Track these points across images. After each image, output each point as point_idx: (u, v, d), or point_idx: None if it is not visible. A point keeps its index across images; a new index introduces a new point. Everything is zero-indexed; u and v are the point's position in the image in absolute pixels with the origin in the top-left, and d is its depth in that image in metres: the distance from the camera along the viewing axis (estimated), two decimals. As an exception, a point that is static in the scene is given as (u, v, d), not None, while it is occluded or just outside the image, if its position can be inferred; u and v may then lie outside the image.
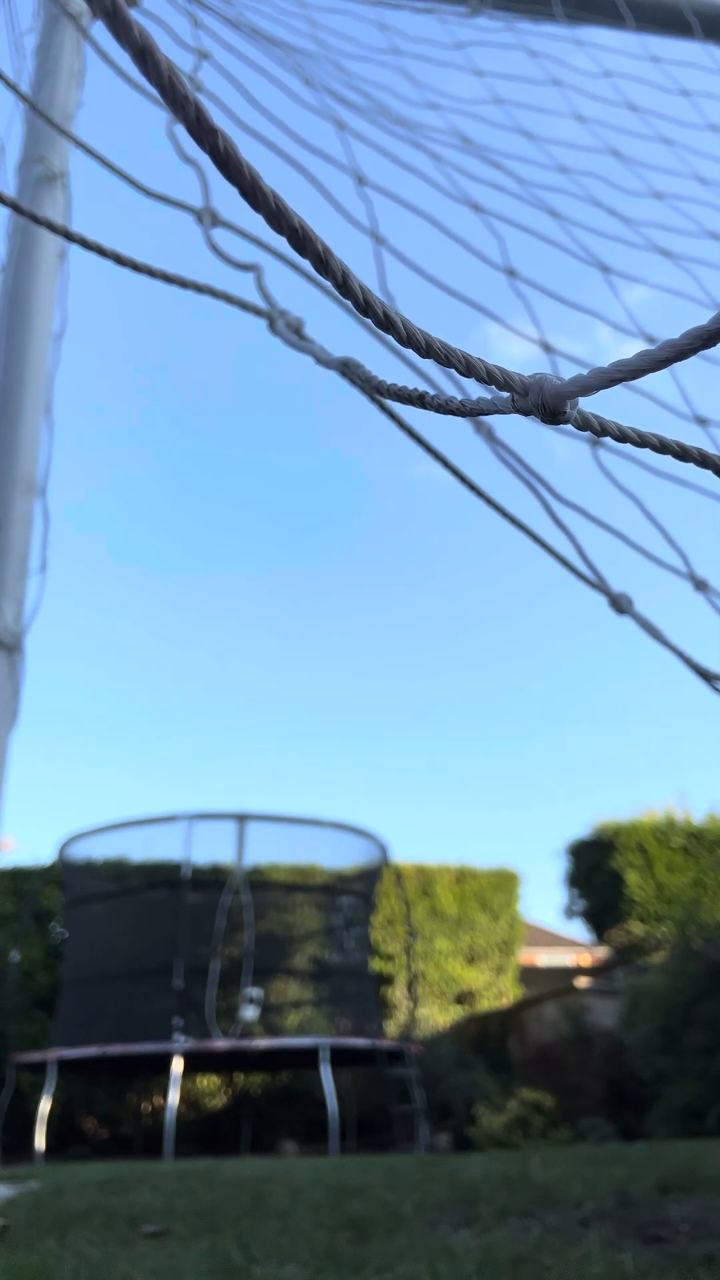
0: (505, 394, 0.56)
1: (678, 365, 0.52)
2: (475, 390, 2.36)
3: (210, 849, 10.34)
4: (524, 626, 24.75)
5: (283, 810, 10.60)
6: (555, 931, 18.25)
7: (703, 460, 0.64)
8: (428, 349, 0.57)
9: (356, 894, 11.20)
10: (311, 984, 10.83)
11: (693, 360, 0.52)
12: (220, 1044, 8.80)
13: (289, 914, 10.91)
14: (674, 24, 4.37)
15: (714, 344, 0.50)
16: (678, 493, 2.44)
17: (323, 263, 0.52)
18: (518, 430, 2.50)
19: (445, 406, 0.63)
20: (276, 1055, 9.65)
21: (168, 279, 1.74)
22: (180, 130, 2.22)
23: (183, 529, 22.04)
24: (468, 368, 0.57)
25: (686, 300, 3.25)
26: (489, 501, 2.10)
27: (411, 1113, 9.41)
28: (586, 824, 13.02)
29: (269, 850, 10.87)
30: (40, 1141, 9.04)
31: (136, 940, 10.36)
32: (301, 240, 0.51)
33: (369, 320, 0.56)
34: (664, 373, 0.52)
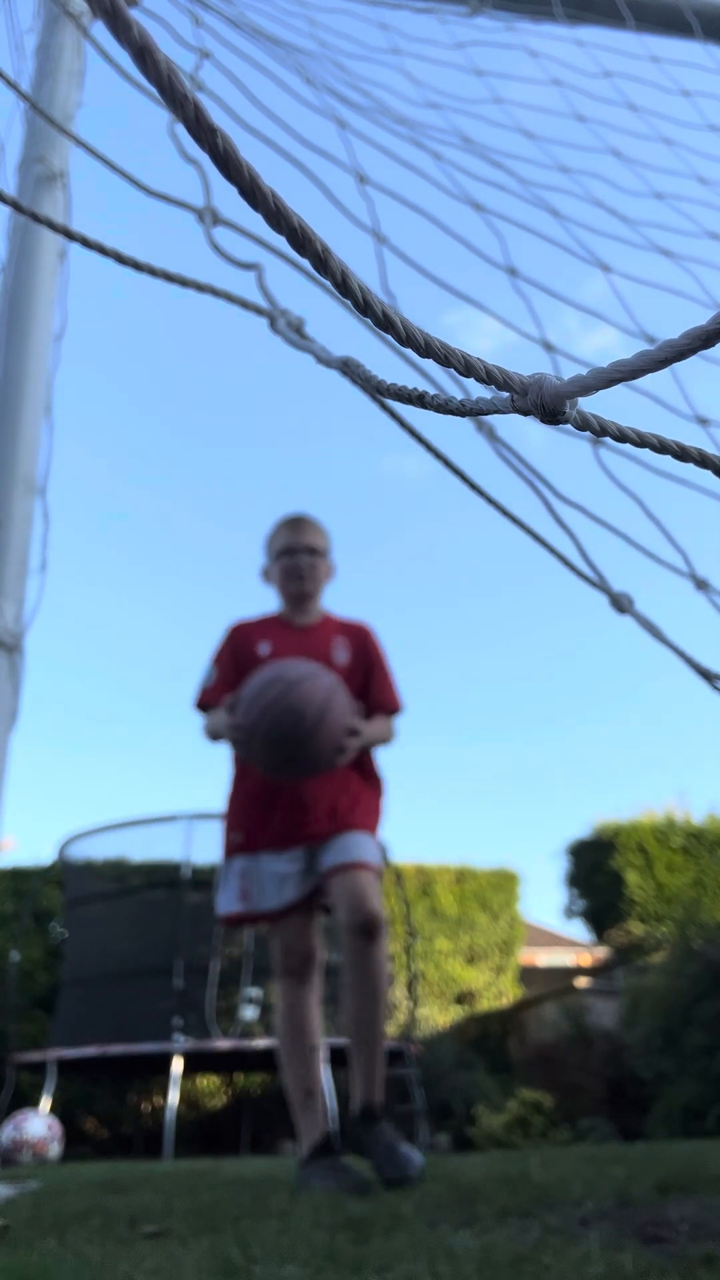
0: (504, 394, 0.56)
1: (678, 365, 0.52)
2: (475, 389, 2.35)
3: (210, 849, 10.32)
4: (523, 626, 24.77)
5: (283, 810, 10.57)
6: (555, 931, 18.23)
7: (702, 460, 0.64)
8: (427, 348, 0.57)
9: (356, 894, 11.18)
10: (311, 984, 10.81)
11: (693, 360, 0.52)
12: (220, 1044, 8.80)
13: (289, 914, 10.89)
14: (674, 24, 4.37)
15: (713, 344, 0.49)
16: (678, 493, 2.43)
17: (322, 262, 0.52)
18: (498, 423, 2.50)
19: (445, 406, 0.63)
20: (277, 1055, 9.63)
21: (168, 278, 1.74)
22: (181, 130, 2.22)
23: (183, 526, 22.04)
24: (467, 367, 0.57)
25: (654, 289, 3.24)
26: (490, 501, 2.10)
27: (411, 1113, 9.41)
28: (586, 824, 13.04)
29: (269, 850, 10.85)
30: (40, 1141, 9.04)
31: (136, 940, 10.35)
32: (301, 239, 0.50)
33: (368, 320, 0.56)
34: (664, 373, 0.52)
